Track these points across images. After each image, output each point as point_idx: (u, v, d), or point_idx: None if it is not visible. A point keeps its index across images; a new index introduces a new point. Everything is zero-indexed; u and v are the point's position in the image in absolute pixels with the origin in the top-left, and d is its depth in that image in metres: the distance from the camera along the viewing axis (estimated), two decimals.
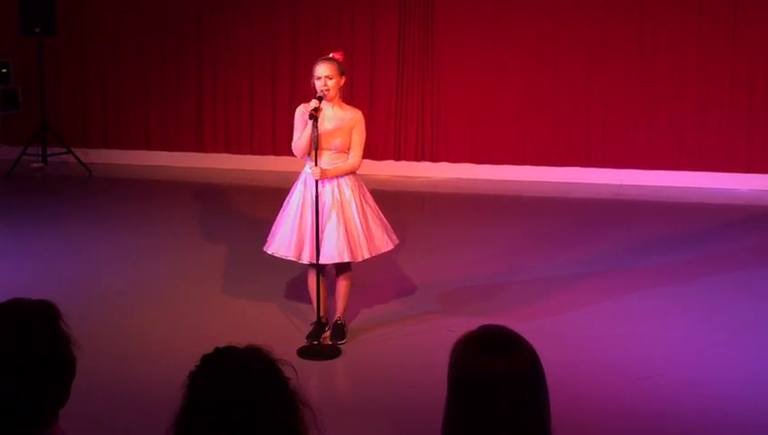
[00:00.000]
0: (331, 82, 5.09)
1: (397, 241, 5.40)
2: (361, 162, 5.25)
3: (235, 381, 1.87)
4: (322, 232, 5.09)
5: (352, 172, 5.22)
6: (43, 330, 2.09)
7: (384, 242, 5.29)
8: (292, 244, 5.15)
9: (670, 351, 5.21)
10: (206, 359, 1.93)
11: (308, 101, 5.15)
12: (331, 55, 5.20)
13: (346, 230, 5.10)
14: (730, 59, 9.41)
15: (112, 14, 10.64)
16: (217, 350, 1.94)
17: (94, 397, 4.24)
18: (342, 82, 5.17)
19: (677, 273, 6.60)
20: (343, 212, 5.13)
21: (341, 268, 5.29)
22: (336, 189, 5.15)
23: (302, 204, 5.16)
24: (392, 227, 5.42)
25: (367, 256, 5.21)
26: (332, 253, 5.10)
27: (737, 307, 5.94)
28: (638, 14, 9.55)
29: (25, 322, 2.09)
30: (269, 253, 5.32)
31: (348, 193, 5.17)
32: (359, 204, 5.19)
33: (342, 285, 5.32)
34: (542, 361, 2.02)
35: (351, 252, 5.11)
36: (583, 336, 5.41)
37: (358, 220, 5.15)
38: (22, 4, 9.99)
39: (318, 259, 5.10)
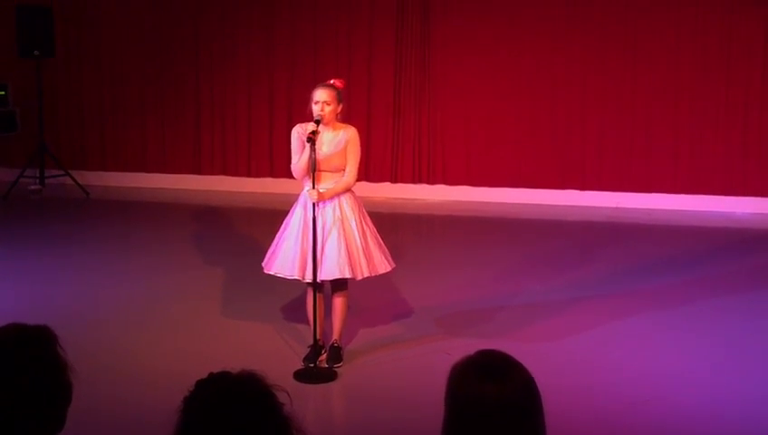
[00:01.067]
0: (327, 108, 5.12)
1: (394, 265, 5.40)
2: (356, 178, 5.25)
3: (229, 407, 1.87)
4: (323, 250, 5.09)
5: (349, 189, 5.23)
6: (40, 355, 2.08)
7: (382, 264, 5.30)
8: (296, 263, 5.14)
9: (668, 374, 5.20)
10: (199, 384, 1.92)
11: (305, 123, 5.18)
12: (332, 82, 5.23)
13: (347, 248, 5.11)
14: (725, 82, 9.46)
15: (110, 37, 10.69)
16: (211, 375, 1.94)
17: (89, 422, 4.21)
18: (340, 108, 5.19)
19: (675, 296, 6.60)
20: (344, 230, 5.14)
21: (338, 286, 5.27)
22: (337, 209, 5.16)
23: (303, 224, 5.17)
24: (389, 251, 5.42)
25: (366, 274, 5.21)
26: (333, 269, 5.10)
27: (735, 330, 5.93)
28: (633, 38, 9.61)
29: (22, 347, 2.08)
30: (271, 273, 5.31)
31: (348, 212, 5.18)
32: (359, 224, 5.20)
33: (339, 303, 5.30)
34: (539, 384, 2.02)
35: (352, 269, 5.12)
36: (580, 360, 5.40)
37: (358, 239, 5.16)
38: (20, 26, 10.04)
39: (316, 277, 5.10)
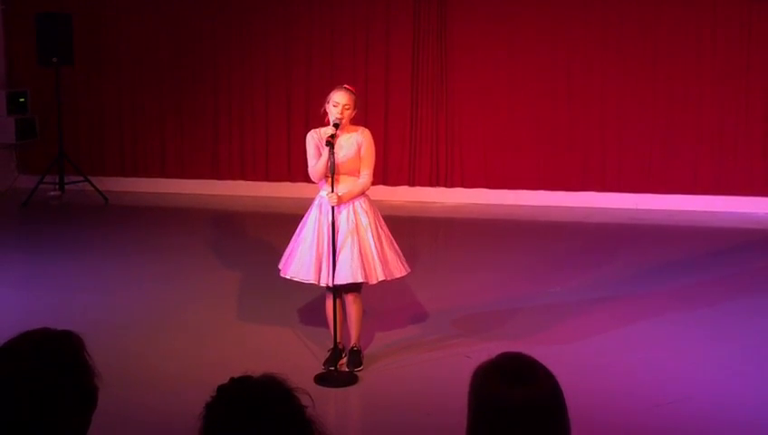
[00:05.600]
0: (347, 112, 5.13)
1: (409, 269, 5.39)
2: (372, 179, 5.25)
3: (252, 411, 1.86)
4: (338, 254, 5.09)
5: (365, 191, 5.22)
6: (68, 360, 2.09)
7: (398, 268, 5.28)
8: (311, 267, 5.15)
9: (689, 376, 5.16)
10: (221, 389, 1.92)
11: (323, 127, 5.20)
12: (345, 86, 5.22)
13: (360, 252, 5.10)
14: (745, 82, 9.41)
15: (129, 44, 10.75)
16: (233, 380, 1.93)
17: (111, 427, 4.22)
18: (354, 114, 5.20)
19: (696, 297, 6.56)
20: (358, 234, 5.13)
21: (350, 290, 5.25)
22: (351, 213, 5.16)
23: (318, 228, 5.17)
24: (407, 254, 5.41)
25: (381, 278, 5.19)
26: (347, 273, 5.09)
27: (757, 331, 5.89)
28: (653, 40, 9.56)
29: (50, 352, 2.08)
30: (287, 277, 5.31)
31: (363, 217, 5.18)
32: (374, 228, 5.19)
33: (352, 308, 5.28)
34: (562, 387, 2.00)
35: (366, 273, 5.11)
36: (601, 362, 5.37)
37: (372, 243, 5.15)
38: (39, 34, 10.11)
39: (333, 280, 5.10)
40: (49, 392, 2.02)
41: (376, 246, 5.16)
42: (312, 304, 6.19)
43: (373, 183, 5.29)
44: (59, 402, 2.02)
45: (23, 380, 2.00)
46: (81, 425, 2.09)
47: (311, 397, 1.96)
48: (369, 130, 5.31)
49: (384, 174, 9.78)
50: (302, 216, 5.40)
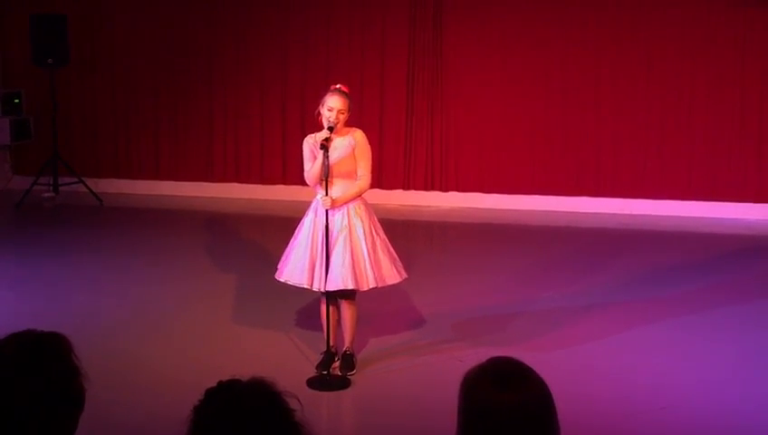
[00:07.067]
0: (342, 117, 5.13)
1: (405, 275, 5.35)
2: (369, 181, 5.23)
3: (239, 415, 1.85)
4: (330, 259, 5.08)
5: (362, 193, 5.20)
6: (55, 362, 2.08)
7: (391, 274, 5.24)
8: (304, 271, 5.14)
9: (682, 382, 5.17)
10: (209, 393, 1.91)
11: (317, 131, 5.19)
12: (338, 86, 5.20)
13: (352, 258, 5.09)
14: (740, 88, 9.41)
15: (124, 46, 10.72)
16: (220, 384, 1.93)
17: (98, 429, 4.21)
18: (348, 116, 5.20)
19: (688, 303, 6.56)
20: (351, 240, 5.12)
21: (344, 295, 5.24)
22: (345, 218, 5.15)
23: (313, 232, 5.16)
24: (401, 259, 5.38)
25: (372, 285, 5.16)
26: (337, 279, 5.08)
27: (749, 337, 5.90)
28: (647, 44, 9.57)
29: (37, 353, 2.08)
30: (281, 281, 5.31)
31: (357, 222, 5.16)
32: (368, 233, 5.17)
33: (347, 313, 5.28)
34: (552, 392, 2.00)
35: (356, 280, 5.09)
36: (594, 367, 5.37)
37: (365, 249, 5.13)
38: (34, 34, 10.09)
39: (325, 286, 5.10)
40: (35, 394, 2.01)
41: (369, 252, 5.13)
42: (307, 307, 6.18)
43: (370, 185, 5.27)
44: (45, 404, 2.01)
45: (8, 381, 1.99)
46: (69, 427, 2.09)
47: (299, 401, 1.95)
48: (364, 132, 5.30)
49: (379, 178, 9.75)
50: (297, 218, 5.40)
